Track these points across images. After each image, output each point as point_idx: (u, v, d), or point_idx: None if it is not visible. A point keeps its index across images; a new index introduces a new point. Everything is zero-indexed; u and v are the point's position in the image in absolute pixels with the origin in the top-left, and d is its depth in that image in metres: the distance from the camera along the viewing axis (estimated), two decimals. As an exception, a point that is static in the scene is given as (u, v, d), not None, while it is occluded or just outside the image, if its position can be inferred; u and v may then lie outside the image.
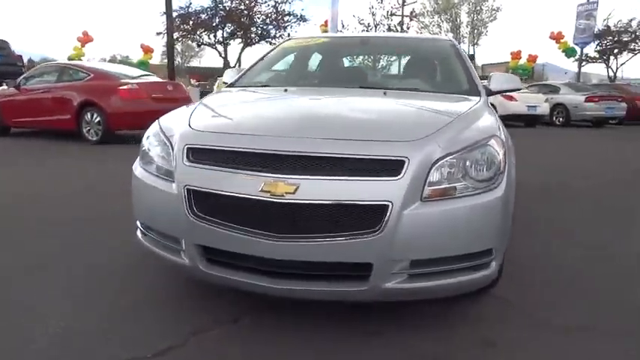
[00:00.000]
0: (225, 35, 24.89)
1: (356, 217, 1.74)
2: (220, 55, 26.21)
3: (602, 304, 2.38)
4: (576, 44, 27.20)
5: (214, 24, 24.17)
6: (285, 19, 24.21)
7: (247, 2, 23.78)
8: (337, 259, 1.77)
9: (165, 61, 18.18)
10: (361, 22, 25.59)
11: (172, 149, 2.04)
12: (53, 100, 8.83)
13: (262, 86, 3.16)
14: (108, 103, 8.35)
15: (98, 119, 8.40)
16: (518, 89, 3.14)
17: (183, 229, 1.92)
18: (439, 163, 1.83)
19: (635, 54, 29.85)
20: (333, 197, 1.73)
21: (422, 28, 30.64)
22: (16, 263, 2.74)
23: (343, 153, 1.79)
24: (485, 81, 3.06)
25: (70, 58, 22.69)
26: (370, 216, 1.73)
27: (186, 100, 9.58)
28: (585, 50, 28.11)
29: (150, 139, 2.27)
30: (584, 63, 29.01)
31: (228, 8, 23.66)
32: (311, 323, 2.11)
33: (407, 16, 25.10)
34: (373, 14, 24.59)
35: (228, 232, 1.82)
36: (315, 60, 3.59)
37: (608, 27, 29.55)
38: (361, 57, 4.47)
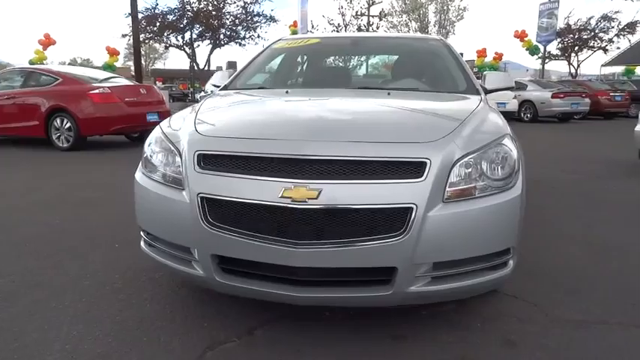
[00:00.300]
0: (193, 37, 24.49)
1: (380, 220, 1.70)
2: (189, 57, 25.80)
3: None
4: (539, 42, 27.94)
5: (182, 25, 23.77)
6: (255, 19, 24.04)
7: (216, 3, 23.47)
8: (361, 264, 1.73)
9: (129, 63, 17.77)
10: (331, 22, 25.70)
11: (180, 156, 1.96)
12: (19, 106, 8.48)
13: (259, 88, 3.11)
14: (79, 108, 8.07)
15: (68, 125, 8.10)
16: (512, 88, 3.17)
17: (197, 238, 1.85)
18: (459, 163, 1.81)
19: (595, 51, 30.93)
20: (357, 201, 1.69)
21: (390, 27, 30.97)
22: None
23: (365, 156, 1.75)
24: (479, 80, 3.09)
25: (31, 62, 21.86)
26: (394, 219, 1.70)
27: (160, 104, 9.39)
28: (548, 48, 28.94)
29: (152, 146, 2.18)
30: (547, 60, 29.83)
31: (195, 9, 23.30)
32: (329, 330, 2.07)
33: (376, 16, 25.29)
34: (342, 14, 24.72)
35: (246, 241, 1.76)
36: (309, 61, 3.55)
37: (569, 25, 30.53)
38: (355, 57, 4.49)
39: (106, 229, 3.53)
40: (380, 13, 25.40)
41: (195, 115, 2.24)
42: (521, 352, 1.93)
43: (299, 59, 3.66)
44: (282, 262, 1.74)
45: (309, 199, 1.68)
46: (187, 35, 24.60)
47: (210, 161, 1.86)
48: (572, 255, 3.04)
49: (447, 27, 32.66)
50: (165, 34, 24.50)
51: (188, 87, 43.19)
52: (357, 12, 25.05)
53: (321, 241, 1.70)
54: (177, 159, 1.98)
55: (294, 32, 23.92)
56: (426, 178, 1.72)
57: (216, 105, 2.58)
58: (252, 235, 1.76)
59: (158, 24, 24.00)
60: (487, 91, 2.95)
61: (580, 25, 30.11)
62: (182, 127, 2.14)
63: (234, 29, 24.56)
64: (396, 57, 3.45)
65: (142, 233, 2.21)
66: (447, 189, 1.77)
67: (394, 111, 2.36)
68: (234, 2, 23.91)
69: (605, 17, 29.53)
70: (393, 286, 1.76)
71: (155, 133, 2.23)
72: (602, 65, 31.29)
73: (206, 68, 26.31)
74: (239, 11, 24.07)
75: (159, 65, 63.80)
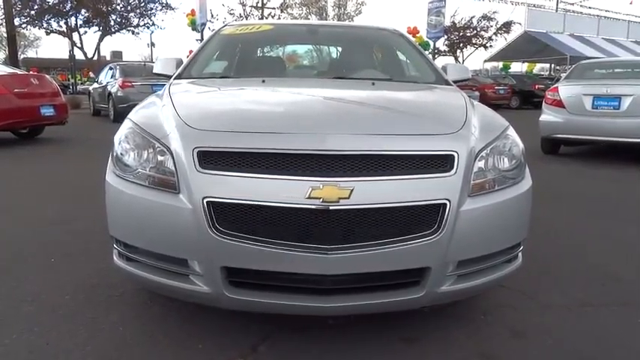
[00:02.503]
0: (79, 23, 22.31)
1: (414, 219, 1.59)
2: (74, 45, 23.50)
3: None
4: (429, 38, 29.64)
5: (65, 9, 21.53)
6: (149, 6, 22.52)
7: (104, -14, 21.62)
8: (395, 266, 1.61)
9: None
10: (231, 12, 24.99)
11: (171, 154, 1.67)
12: None
13: (223, 77, 2.84)
14: (-41, 101, 6.95)
15: (-56, 120, 6.95)
16: (469, 79, 3.23)
17: (201, 249, 1.59)
18: (480, 154, 1.76)
19: (477, 47, 33.56)
20: (391, 199, 1.56)
21: (292, 19, 30.96)
22: None
23: (395, 149, 1.63)
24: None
25: None
26: (429, 216, 1.60)
27: (55, 96, 8.42)
28: (437, 44, 30.83)
29: (124, 144, 1.85)
30: (436, 55, 31.74)
31: (81, -8, 21.25)
32: (336, 339, 1.92)
33: (277, 8, 25.09)
34: (243, 4, 24.15)
35: (265, 249, 1.54)
36: (269, 49, 3.33)
37: (454, 23, 32.76)
38: (312, 47, 4.32)
39: (30, 241, 3.02)
40: (281, 5, 25.24)
41: (173, 105, 1.95)
42: (532, 341, 1.94)
43: (255, 47, 3.42)
44: (312, 270, 1.56)
45: (341, 198, 1.51)
46: (72, 21, 22.35)
47: (214, 159, 1.61)
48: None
49: (347, 21, 33.42)
50: (45, 18, 22.07)
51: (67, 78, 39.66)
52: (257, 2, 24.62)
53: (353, 244, 1.55)
54: (165, 157, 1.70)
55: (193, 21, 22.85)
56: (457, 172, 1.64)
57: (191, 94, 2.29)
58: (272, 243, 1.55)
59: (36, 7, 21.54)
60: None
61: (464, 24, 32.45)
62: (163, 120, 1.84)
63: (125, 16, 22.81)
64: (356, 46, 3.34)
65: (116, 245, 1.87)
66: (472, 182, 1.70)
67: (399, 102, 2.26)
68: (126, -14, 22.23)
69: (485, 17, 32.15)
70: (425, 287, 1.66)
71: (127, 127, 1.90)
72: (485, 61, 34.14)
73: (95, 57, 24.19)
74: (131, -3, 22.43)
75: (31, 54, 57.69)
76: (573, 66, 7.66)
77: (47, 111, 8.00)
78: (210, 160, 1.61)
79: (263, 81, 2.48)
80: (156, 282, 1.76)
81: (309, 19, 31.75)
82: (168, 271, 1.72)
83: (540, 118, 7.06)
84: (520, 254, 1.96)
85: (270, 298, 1.63)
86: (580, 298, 2.33)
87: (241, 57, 3.22)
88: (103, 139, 1.88)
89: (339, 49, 3.65)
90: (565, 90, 6.79)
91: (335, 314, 1.69)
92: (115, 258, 1.90)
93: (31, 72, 12.62)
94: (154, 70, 3.06)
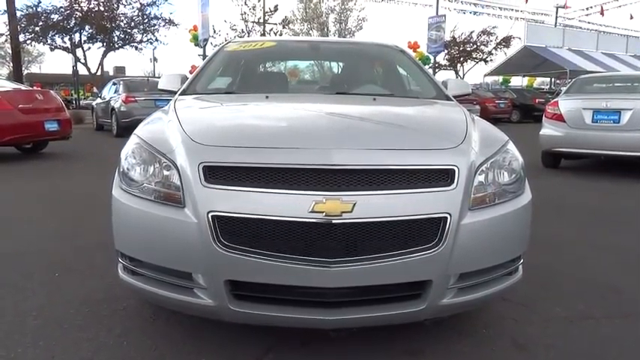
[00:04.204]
0: (83, 39, 22.52)
1: (416, 232, 1.61)
2: (77, 60, 23.68)
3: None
4: (430, 53, 29.86)
5: (69, 26, 21.75)
6: (152, 22, 22.75)
7: (108, 4, 21.78)
8: (397, 279, 1.63)
9: None
10: (233, 28, 25.22)
11: (177, 169, 1.71)
12: None
13: (227, 93, 2.88)
14: (-37, 116, 7.02)
15: (-51, 136, 7.01)
16: (469, 94, 3.27)
17: (206, 263, 1.62)
18: (480, 169, 1.78)
19: (477, 62, 33.75)
20: (393, 213, 1.58)
21: (293, 35, 31.24)
22: None
23: (396, 164, 1.66)
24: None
25: None
26: (430, 230, 1.63)
27: (60, 111, 8.49)
28: (437, 58, 31.05)
29: (131, 158, 1.89)
30: (437, 70, 31.95)
31: (85, 9, 21.42)
32: (340, 352, 1.93)
33: (279, 24, 25.33)
34: (245, 20, 24.38)
35: (268, 263, 1.57)
36: (272, 65, 3.38)
37: (454, 38, 33.01)
38: (314, 62, 4.42)
39: (35, 255, 3.05)
40: (283, 21, 25.48)
41: (178, 121, 1.98)
42: (535, 355, 1.95)
43: (258, 63, 3.48)
44: (314, 283, 1.58)
45: (343, 212, 1.54)
46: (76, 37, 22.54)
47: (218, 174, 1.64)
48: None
49: (347, 36, 33.75)
50: (50, 34, 22.30)
51: (71, 93, 39.92)
52: (259, 18, 24.85)
53: (355, 257, 1.57)
54: (171, 172, 1.73)
55: (195, 37, 23.06)
56: (457, 186, 1.67)
57: (196, 110, 2.33)
58: (275, 256, 1.57)
59: (41, 23, 21.79)
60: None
61: (464, 38, 32.68)
62: (169, 135, 1.88)
63: (129, 32, 23.03)
64: (358, 62, 3.40)
65: (121, 259, 1.89)
66: (472, 196, 1.73)
67: (400, 117, 2.30)
68: (130, 3, 22.39)
69: (485, 32, 32.37)
70: (426, 300, 1.68)
71: (133, 142, 1.94)
72: (485, 75, 34.33)
73: (98, 73, 24.36)
74: (134, 13, 22.60)
75: (34, 69, 58.17)
76: (573, 80, 7.72)
77: (51, 126, 8.05)
78: (215, 174, 1.64)
79: (267, 97, 2.52)
80: (160, 295, 1.78)
81: (310, 34, 32.03)
82: (173, 284, 1.74)
83: (540, 132, 7.10)
84: (521, 267, 1.98)
85: (273, 311, 1.65)
86: (581, 310, 2.34)
87: (244, 73, 3.27)
88: (106, 154, 1.91)
89: (341, 64, 3.71)
90: (565, 104, 6.84)
91: (337, 327, 1.69)
92: (119, 272, 1.92)
93: (35, 87, 12.74)
94: (159, 86, 3.11)
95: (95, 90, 27.33)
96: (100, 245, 3.07)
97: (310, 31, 32.80)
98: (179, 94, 2.75)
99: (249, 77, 3.26)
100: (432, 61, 30.12)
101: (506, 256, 1.84)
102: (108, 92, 13.96)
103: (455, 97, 2.93)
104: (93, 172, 6.38)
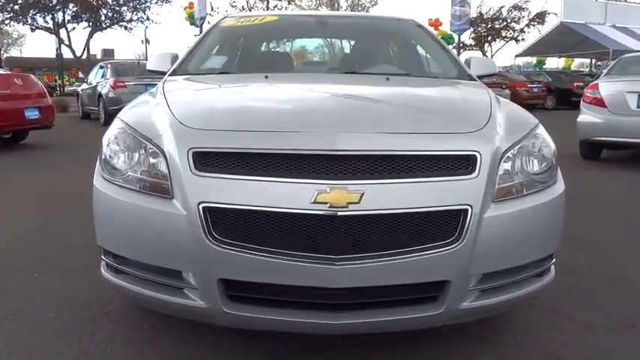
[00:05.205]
0: (67, 18, 22.70)
1: (432, 226, 1.60)
2: (63, 43, 23.87)
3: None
4: (453, 31, 29.62)
5: (52, 4, 21.92)
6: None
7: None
8: (411, 279, 1.62)
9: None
10: (233, 4, 25.27)
11: (164, 155, 1.71)
12: None
13: (222, 73, 2.90)
14: None
15: None
16: (495, 74, 3.24)
17: (197, 260, 1.62)
18: (506, 155, 1.76)
19: (507, 41, 33.54)
20: (406, 205, 1.57)
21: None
22: None
23: (409, 149, 1.64)
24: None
25: None
26: (448, 224, 1.61)
27: (41, 97, 8.58)
28: (462, 37, 30.82)
29: (114, 145, 1.89)
30: (461, 50, 31.74)
31: (69, -16, 21.60)
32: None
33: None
34: (246, -4, 24.43)
35: (266, 260, 1.56)
36: (274, 42, 3.38)
37: (482, 14, 32.81)
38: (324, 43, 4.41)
39: (15, 254, 3.08)
40: (289, -5, 25.55)
41: (167, 103, 1.99)
42: (567, 365, 1.93)
43: (258, 40, 3.48)
44: (317, 283, 1.57)
45: (350, 203, 1.53)
46: (59, 16, 22.74)
47: (210, 161, 1.64)
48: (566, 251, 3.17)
49: (360, 12, 33.65)
50: (30, 13, 22.49)
51: (54, 78, 40.27)
52: (262, -7, 24.94)
53: (363, 255, 1.56)
54: (158, 159, 1.73)
55: (191, 15, 23.12)
56: (479, 175, 1.65)
57: (187, 92, 2.33)
58: (274, 253, 1.57)
59: (20, 2, 21.99)
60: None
61: (493, 15, 32.47)
62: (156, 119, 1.88)
63: (117, 10, 23.17)
64: (370, 39, 3.38)
65: (104, 256, 1.91)
66: (497, 186, 1.71)
67: (416, 98, 2.29)
68: (118, -21, 22.55)
69: (516, 7, 32.13)
70: (444, 304, 1.66)
71: (116, 127, 1.94)
72: (516, 56, 34.06)
73: (84, 56, 24.56)
74: (124, -11, 22.74)
75: (14, 53, 58.71)
76: (615, 60, 7.61)
77: (32, 114, 8.14)
78: (207, 161, 1.64)
79: (266, 77, 2.52)
80: (147, 296, 1.79)
81: (319, 9, 31.96)
82: (161, 284, 1.75)
83: (578, 119, 7.02)
84: (552, 267, 1.95)
85: (271, 314, 1.64)
86: (622, 317, 2.31)
87: (243, 52, 3.28)
88: (93, 145, 1.92)
89: (352, 42, 3.69)
90: (606, 87, 6.74)
91: (344, 332, 1.69)
92: (102, 270, 1.93)
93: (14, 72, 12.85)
94: (148, 67, 3.12)
95: (81, 75, 27.54)
96: (87, 243, 3.08)
97: (319, 7, 32.77)
98: (168, 75, 2.76)
99: (248, 56, 3.26)
100: (456, 40, 29.91)
101: (536, 254, 1.82)
102: (95, 77, 14.07)
103: (479, 77, 2.90)
104: (79, 165, 6.41)
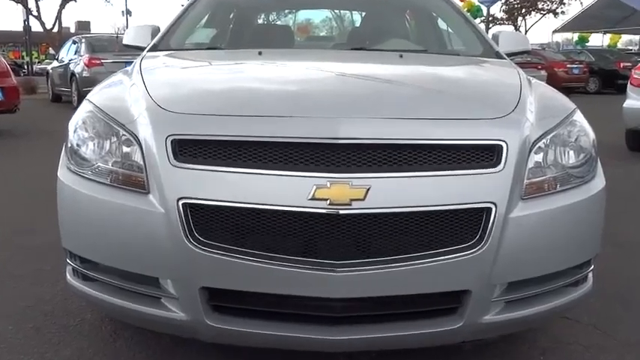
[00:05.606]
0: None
1: (449, 227, 1.59)
2: (31, 14, 23.97)
3: None
4: (482, 3, 29.55)
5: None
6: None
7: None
8: (425, 289, 1.62)
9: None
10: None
11: (139, 143, 1.70)
12: None
13: (210, 49, 2.92)
14: None
15: None
16: (528, 52, 3.22)
17: (176, 265, 1.61)
18: (537, 145, 1.75)
19: (544, 14, 33.36)
20: (419, 202, 1.56)
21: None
22: None
23: (423, 138, 1.63)
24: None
25: None
26: (468, 225, 1.60)
27: (3, 76, 8.59)
28: (492, 10, 30.73)
29: (81, 131, 1.89)
30: (490, 25, 31.65)
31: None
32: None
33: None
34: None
35: (256, 266, 1.56)
36: (270, 13, 3.39)
37: (515, -17, 32.70)
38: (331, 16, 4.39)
39: None
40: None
41: (143, 83, 1.98)
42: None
43: (252, 12, 3.49)
44: (316, 292, 1.57)
45: (353, 200, 1.52)
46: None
47: (192, 150, 1.63)
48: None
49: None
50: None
51: (22, 55, 40.43)
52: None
53: (369, 260, 1.56)
54: (132, 148, 1.73)
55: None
56: (505, 168, 1.64)
57: (168, 70, 2.34)
58: (265, 257, 1.56)
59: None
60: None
61: (527, -16, 32.33)
62: (130, 101, 1.88)
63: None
64: (384, 11, 3.38)
65: (70, 260, 1.91)
66: (526, 181, 1.70)
67: (432, 78, 2.30)
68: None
69: (555, -26, 31.97)
70: (464, 317, 1.66)
71: (85, 111, 1.94)
72: (554, 31, 33.91)
73: (55, 29, 24.63)
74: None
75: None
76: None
77: (-6, 96, 8.17)
78: (188, 151, 1.63)
79: (260, 53, 2.52)
80: (119, 307, 1.79)
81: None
82: (135, 292, 1.75)
83: (625, 105, 6.99)
84: (590, 275, 1.94)
85: (262, 328, 1.64)
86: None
87: (236, 24, 3.31)
88: (65, 132, 1.92)
89: (363, 14, 3.69)
90: (658, 68, 6.70)
91: (346, 350, 1.70)
92: (68, 276, 1.93)
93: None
94: (124, 41, 3.15)
95: (51, 51, 27.62)
96: (54, 246, 3.09)
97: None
98: (147, 51, 2.77)
99: (242, 30, 3.28)
100: (485, 13, 29.84)
101: (571, 260, 1.81)
102: (67, 54, 14.13)
103: (508, 55, 2.89)
104: (47, 155, 6.38)
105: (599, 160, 1.96)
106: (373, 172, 1.56)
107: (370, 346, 1.72)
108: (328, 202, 1.51)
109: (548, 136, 1.79)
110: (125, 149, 1.75)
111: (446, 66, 2.62)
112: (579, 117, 1.98)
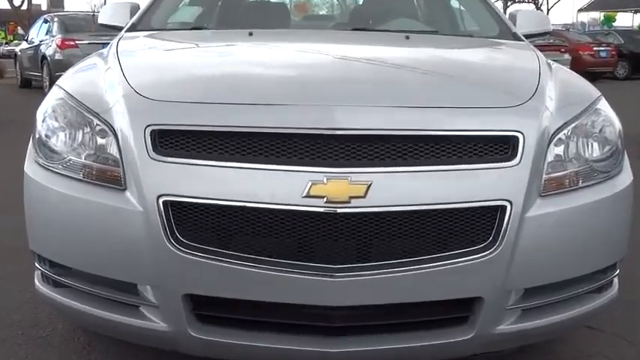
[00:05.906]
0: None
1: (459, 228, 1.59)
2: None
3: None
4: (499, -22, 29.52)
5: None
6: None
7: None
8: (432, 296, 1.62)
9: None
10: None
11: (114, 134, 1.71)
12: None
13: (195, 29, 2.94)
14: None
15: None
16: (549, 32, 3.23)
17: (156, 269, 1.62)
18: (557, 137, 1.76)
19: (568, -8, 33.38)
20: (426, 199, 1.56)
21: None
22: None
23: (430, 128, 1.64)
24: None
25: None
26: (480, 225, 1.61)
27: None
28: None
29: (51, 120, 1.89)
30: (509, 3, 31.67)
31: None
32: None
33: None
34: None
35: (245, 270, 1.56)
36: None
37: (535, -44, 32.70)
38: None
39: None
40: None
41: (120, 67, 1.99)
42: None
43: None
44: (312, 300, 1.58)
45: (352, 197, 1.52)
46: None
47: (174, 142, 1.64)
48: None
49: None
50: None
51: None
52: None
53: (370, 264, 1.56)
54: (107, 139, 1.74)
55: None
56: (521, 161, 1.64)
57: (147, 53, 2.35)
58: (255, 261, 1.57)
59: None
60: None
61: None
62: (105, 87, 1.89)
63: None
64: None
65: (38, 264, 1.92)
66: (544, 177, 1.70)
67: (442, 62, 2.32)
68: None
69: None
70: (475, 327, 1.66)
71: (55, 98, 1.95)
72: (579, 11, 33.93)
73: (24, 6, 24.67)
74: None
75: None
76: None
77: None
78: (170, 142, 1.63)
79: (250, 34, 2.53)
80: (93, 316, 1.79)
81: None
82: (111, 300, 1.75)
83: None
84: (616, 281, 1.95)
85: (251, 340, 1.64)
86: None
87: (226, 1, 3.32)
88: (33, 121, 1.93)
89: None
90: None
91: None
92: (36, 282, 1.93)
93: None
94: (100, 20, 3.18)
95: (20, 31, 27.62)
96: (23, 248, 3.10)
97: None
98: (126, 31, 2.78)
99: (232, 7, 3.30)
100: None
101: (594, 264, 1.82)
102: (37, 34, 14.12)
103: (527, 36, 2.90)
104: (15, 148, 6.38)
105: (625, 153, 1.97)
106: (375, 167, 1.56)
107: (371, 359, 1.72)
108: (325, 199, 1.51)
109: (570, 127, 1.80)
110: (99, 141, 1.75)
111: (457, 49, 2.63)
112: (604, 105, 1.98)
